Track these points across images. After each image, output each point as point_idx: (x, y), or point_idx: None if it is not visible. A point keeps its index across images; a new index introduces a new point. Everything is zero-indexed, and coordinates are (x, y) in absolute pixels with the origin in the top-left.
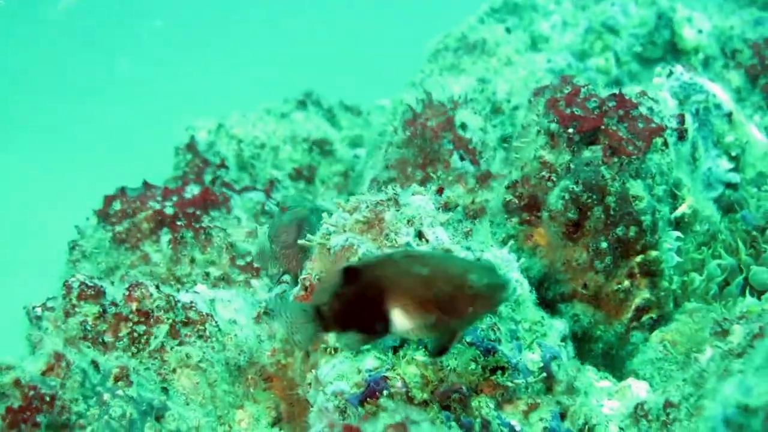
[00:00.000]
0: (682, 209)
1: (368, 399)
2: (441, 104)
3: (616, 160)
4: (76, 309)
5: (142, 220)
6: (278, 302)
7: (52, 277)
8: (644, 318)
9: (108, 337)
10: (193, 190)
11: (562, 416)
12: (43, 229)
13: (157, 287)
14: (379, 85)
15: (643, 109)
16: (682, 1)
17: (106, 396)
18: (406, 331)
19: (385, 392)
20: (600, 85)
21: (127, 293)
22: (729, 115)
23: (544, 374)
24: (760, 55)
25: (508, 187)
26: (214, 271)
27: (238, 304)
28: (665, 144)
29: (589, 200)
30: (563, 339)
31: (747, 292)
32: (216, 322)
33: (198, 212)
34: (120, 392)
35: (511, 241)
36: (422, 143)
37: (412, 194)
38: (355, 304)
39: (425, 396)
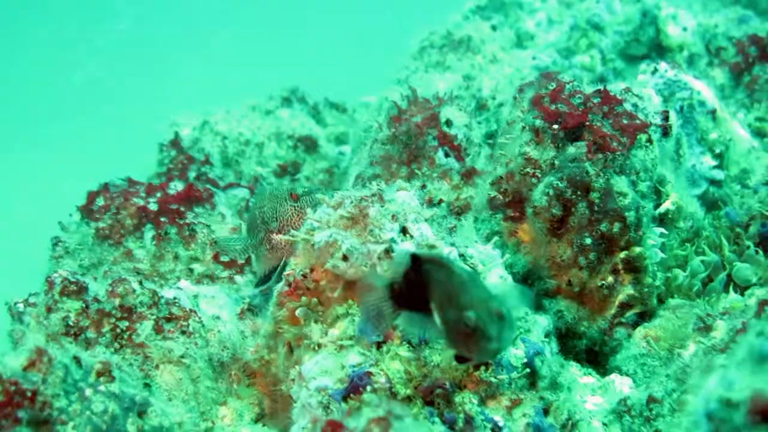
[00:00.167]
0: (666, 206)
1: (352, 394)
2: (426, 101)
3: (600, 156)
4: (59, 305)
5: (126, 216)
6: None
7: (35, 273)
8: (628, 314)
9: (90, 333)
10: (177, 187)
11: (546, 412)
12: (26, 225)
13: (140, 283)
14: (365, 83)
15: (627, 106)
16: None
17: (88, 392)
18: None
19: (368, 388)
20: (585, 82)
21: (110, 289)
22: (713, 112)
23: (528, 370)
24: (744, 53)
25: (492, 184)
26: (198, 268)
27: (221, 300)
28: (649, 140)
29: (574, 196)
30: (547, 335)
31: (730, 288)
32: (199, 318)
33: (182, 208)
34: (102, 388)
35: (496, 237)
36: (407, 140)
37: (397, 190)
38: (413, 290)
39: (409, 391)
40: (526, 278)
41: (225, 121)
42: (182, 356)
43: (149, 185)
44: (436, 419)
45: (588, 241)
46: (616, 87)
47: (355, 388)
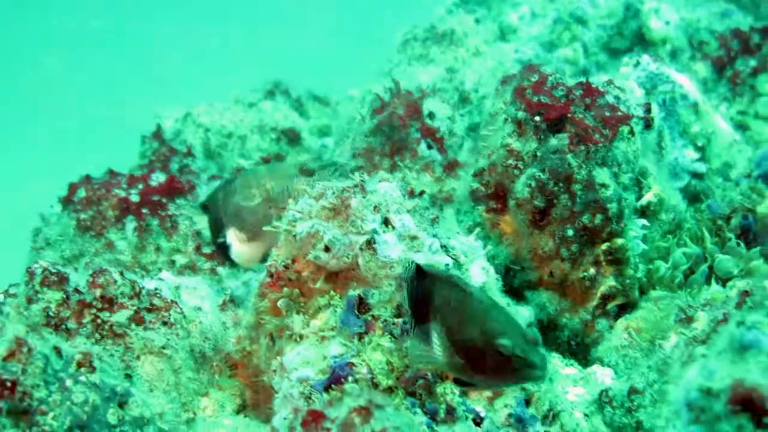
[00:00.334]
0: (648, 197)
1: (333, 385)
2: (409, 93)
3: (582, 148)
4: (39, 295)
5: (107, 207)
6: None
7: (15, 264)
8: (609, 305)
9: (71, 324)
10: (158, 178)
11: (527, 402)
12: (7, 215)
13: (122, 274)
14: (350, 76)
15: (609, 98)
16: None
17: (69, 382)
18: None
19: (350, 378)
20: (567, 74)
21: (90, 279)
22: (695, 105)
23: None
24: (727, 47)
25: (475, 175)
26: (180, 259)
27: (203, 291)
28: (632, 132)
29: (556, 188)
30: (529, 326)
31: (712, 280)
32: (181, 309)
33: (164, 200)
34: (83, 378)
35: (478, 229)
36: (390, 132)
37: (379, 181)
38: (418, 300)
39: (390, 382)
40: (508, 269)
41: (208, 113)
42: (163, 347)
43: (131, 176)
44: (418, 410)
45: (570, 232)
46: (598, 79)
47: (336, 378)
